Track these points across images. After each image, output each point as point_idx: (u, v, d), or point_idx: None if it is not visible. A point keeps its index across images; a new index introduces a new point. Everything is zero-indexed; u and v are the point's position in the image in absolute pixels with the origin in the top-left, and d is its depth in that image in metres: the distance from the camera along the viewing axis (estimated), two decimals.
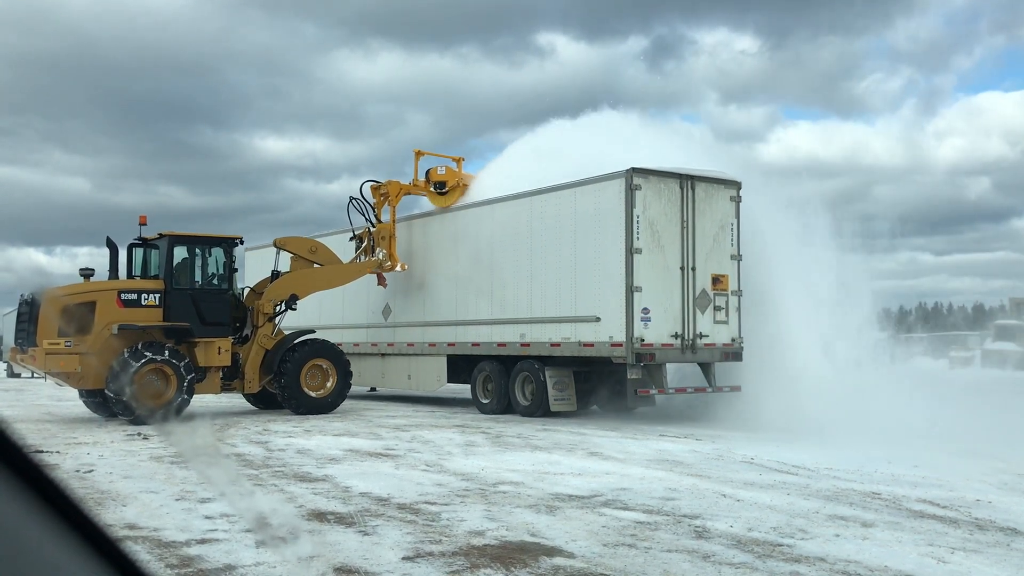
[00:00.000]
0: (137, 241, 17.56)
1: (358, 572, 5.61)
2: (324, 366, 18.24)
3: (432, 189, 20.19)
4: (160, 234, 17.31)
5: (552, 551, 6.15)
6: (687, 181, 15.87)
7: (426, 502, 8.01)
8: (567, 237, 16.41)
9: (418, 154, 20.88)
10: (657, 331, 15.39)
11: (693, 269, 15.82)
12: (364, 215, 20.19)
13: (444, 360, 19.41)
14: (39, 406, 20.70)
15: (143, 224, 17.55)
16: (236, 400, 20.27)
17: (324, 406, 17.99)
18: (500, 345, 17.81)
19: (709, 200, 16.07)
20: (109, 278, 17.34)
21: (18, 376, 36.94)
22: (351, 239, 20.57)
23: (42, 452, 11.59)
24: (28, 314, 16.32)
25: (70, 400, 20.21)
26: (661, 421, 15.95)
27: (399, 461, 10.78)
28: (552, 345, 16.68)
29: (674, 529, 6.85)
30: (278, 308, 18.32)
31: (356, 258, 20.33)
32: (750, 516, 7.33)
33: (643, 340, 15.24)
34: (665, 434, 13.67)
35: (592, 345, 15.89)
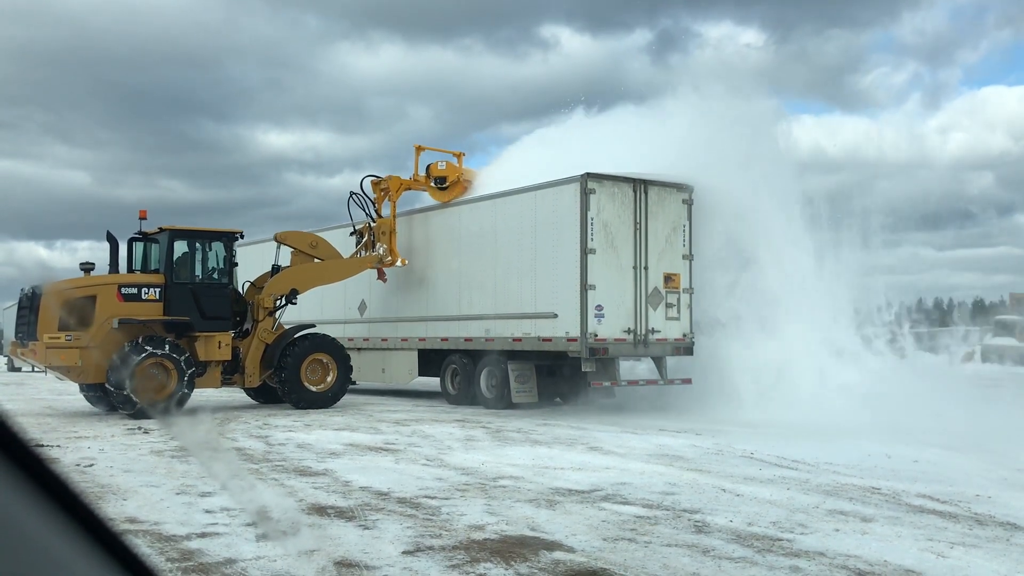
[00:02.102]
0: (137, 235, 17.55)
1: (358, 566, 5.62)
2: (324, 360, 18.25)
3: (432, 184, 20.17)
4: (160, 228, 17.31)
5: (552, 545, 6.16)
6: (640, 185, 16.64)
7: (426, 496, 8.02)
8: (528, 238, 17.18)
9: (418, 149, 20.83)
10: (610, 327, 16.15)
11: (646, 268, 16.64)
12: (364, 210, 20.18)
13: (415, 354, 20.17)
14: (39, 400, 20.72)
15: (143, 218, 17.54)
16: (236, 394, 20.29)
17: (324, 400, 18.00)
18: (467, 340, 18.53)
19: (662, 203, 16.87)
20: (109, 272, 17.34)
21: (19, 370, 36.96)
22: (351, 234, 20.57)
23: (43, 446, 11.61)
24: (28, 308, 16.33)
25: (71, 394, 20.23)
26: (659, 416, 15.96)
27: (399, 455, 10.79)
28: (514, 340, 17.38)
29: (674, 523, 6.86)
30: (278, 303, 18.33)
31: (356, 253, 20.32)
32: (750, 511, 7.34)
33: (596, 335, 15.98)
34: (665, 429, 13.68)
35: (550, 340, 16.62)
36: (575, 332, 16.04)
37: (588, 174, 16.10)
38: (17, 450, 1.09)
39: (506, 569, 5.54)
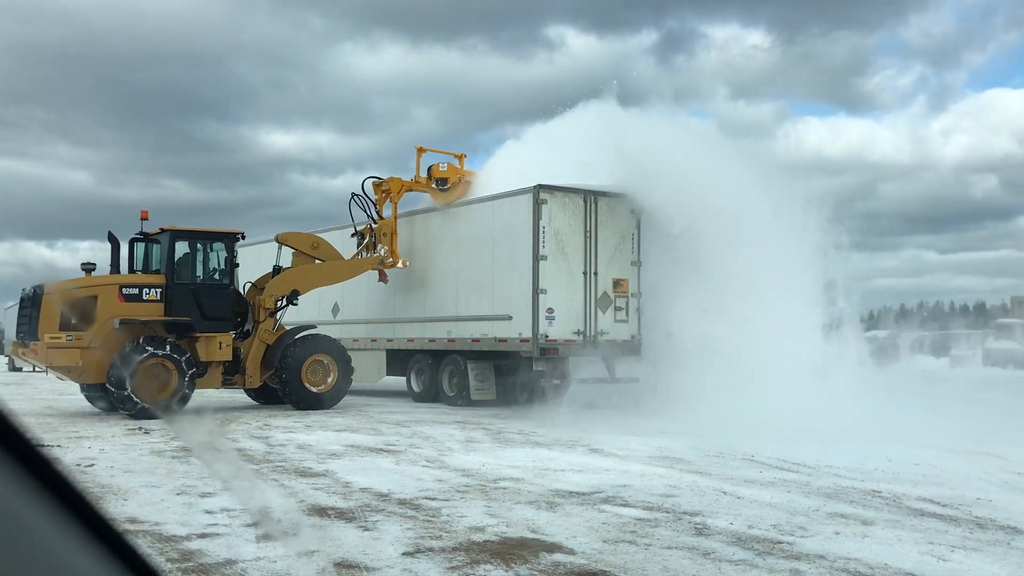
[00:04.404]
0: (138, 236, 17.57)
1: (358, 567, 5.62)
2: (325, 361, 18.26)
3: (434, 186, 20.19)
4: (161, 229, 17.33)
5: (552, 547, 6.16)
6: (591, 196, 17.55)
7: (426, 498, 8.02)
8: (487, 245, 18.23)
9: (420, 150, 20.85)
10: (561, 328, 17.15)
11: (595, 274, 17.59)
12: (365, 211, 20.21)
13: (384, 354, 20.98)
14: (40, 399, 20.72)
15: (144, 219, 17.55)
16: (237, 395, 20.29)
17: (325, 401, 18.00)
18: (431, 341, 19.62)
19: (611, 213, 17.78)
20: (111, 272, 17.35)
21: (19, 370, 36.94)
22: (353, 235, 20.59)
23: (43, 445, 11.58)
24: (30, 308, 16.35)
25: (71, 394, 20.24)
26: (660, 418, 15.95)
27: (400, 457, 10.79)
28: (473, 341, 18.36)
29: (674, 526, 6.86)
30: (279, 304, 18.34)
31: (358, 254, 20.34)
32: (750, 513, 7.34)
33: (547, 336, 16.99)
34: (665, 431, 13.67)
35: (505, 341, 17.59)
36: (528, 333, 16.96)
37: (540, 186, 16.97)
38: (21, 449, 1.09)
39: (506, 571, 5.55)
